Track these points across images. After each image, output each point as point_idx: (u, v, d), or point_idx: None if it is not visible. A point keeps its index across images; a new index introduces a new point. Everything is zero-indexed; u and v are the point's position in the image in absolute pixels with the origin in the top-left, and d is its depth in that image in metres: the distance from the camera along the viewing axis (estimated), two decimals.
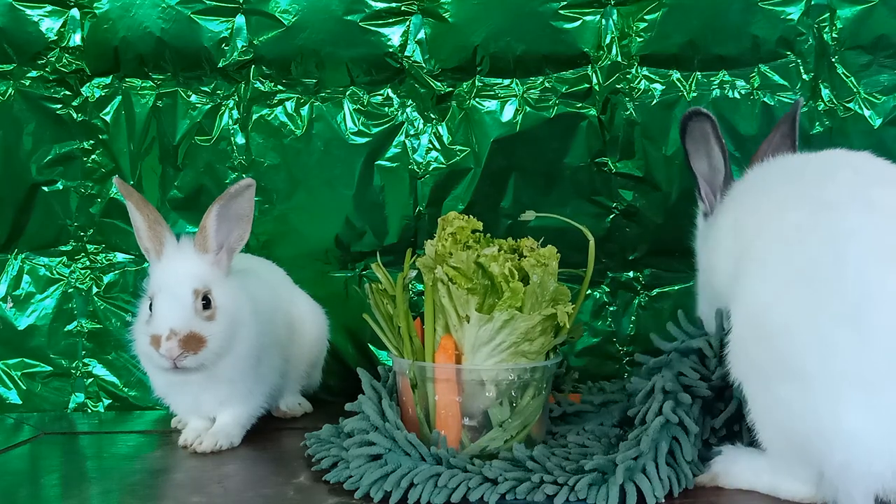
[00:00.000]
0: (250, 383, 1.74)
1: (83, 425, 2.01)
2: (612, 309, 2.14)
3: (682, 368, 1.53)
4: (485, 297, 1.51)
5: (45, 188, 2.14)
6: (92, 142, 2.14)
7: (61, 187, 2.15)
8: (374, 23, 2.07)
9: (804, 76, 1.99)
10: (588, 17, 2.02)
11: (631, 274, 2.13)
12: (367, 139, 2.11)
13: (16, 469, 1.68)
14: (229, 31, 2.08)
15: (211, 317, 1.64)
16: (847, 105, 1.99)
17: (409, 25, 2.07)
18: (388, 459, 1.47)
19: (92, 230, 2.16)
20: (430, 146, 2.11)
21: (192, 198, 2.12)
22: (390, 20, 2.07)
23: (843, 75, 1.98)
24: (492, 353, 1.51)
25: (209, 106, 2.12)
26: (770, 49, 1.99)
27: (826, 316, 1.26)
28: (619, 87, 2.04)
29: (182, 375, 1.65)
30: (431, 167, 2.11)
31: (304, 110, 2.12)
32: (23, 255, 2.17)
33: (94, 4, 2.07)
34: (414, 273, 1.64)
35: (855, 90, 1.98)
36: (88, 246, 2.16)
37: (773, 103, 2.00)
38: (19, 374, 2.15)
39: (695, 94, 2.03)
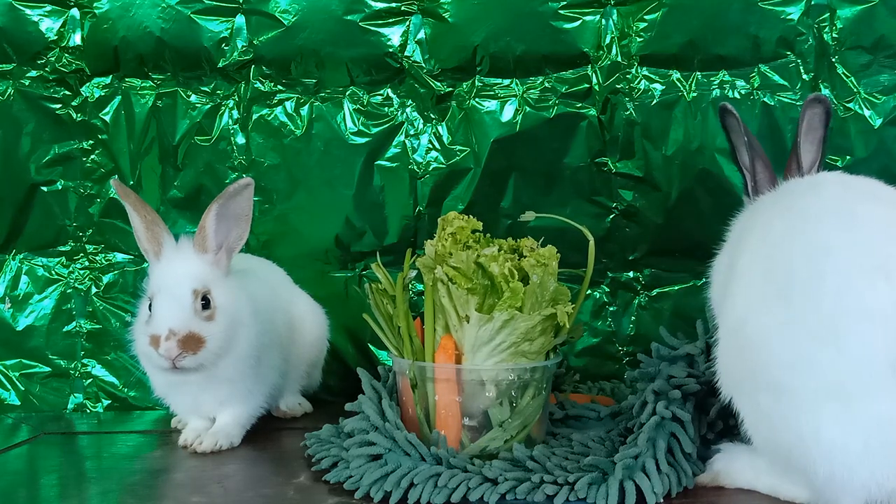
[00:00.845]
0: (250, 383, 1.74)
1: (82, 425, 2.01)
2: (612, 309, 2.14)
3: (670, 372, 1.55)
4: (485, 297, 1.51)
5: (45, 188, 2.14)
6: (91, 142, 2.13)
7: (60, 187, 2.14)
8: (374, 23, 2.07)
9: (804, 76, 1.99)
10: (588, 17, 2.02)
11: (631, 274, 2.13)
12: (366, 139, 2.11)
13: (15, 469, 1.68)
14: (229, 31, 2.08)
15: (210, 317, 1.64)
16: (847, 105, 1.99)
17: (408, 25, 2.07)
18: (388, 459, 1.47)
19: (91, 230, 2.16)
20: (430, 146, 2.11)
21: (192, 198, 2.12)
22: (390, 20, 2.07)
23: (843, 75, 1.98)
24: (492, 353, 1.51)
25: (209, 106, 2.12)
26: (770, 49, 1.99)
27: (803, 330, 1.26)
28: (618, 87, 2.04)
29: (181, 375, 1.65)
30: (431, 167, 2.11)
31: (304, 110, 2.12)
32: (21, 256, 2.16)
33: (94, 4, 2.07)
34: (414, 273, 1.64)
35: (855, 90, 1.98)
36: (87, 246, 2.16)
37: (773, 103, 2.00)
38: (18, 374, 2.14)
39: (695, 94, 2.03)
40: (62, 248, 2.16)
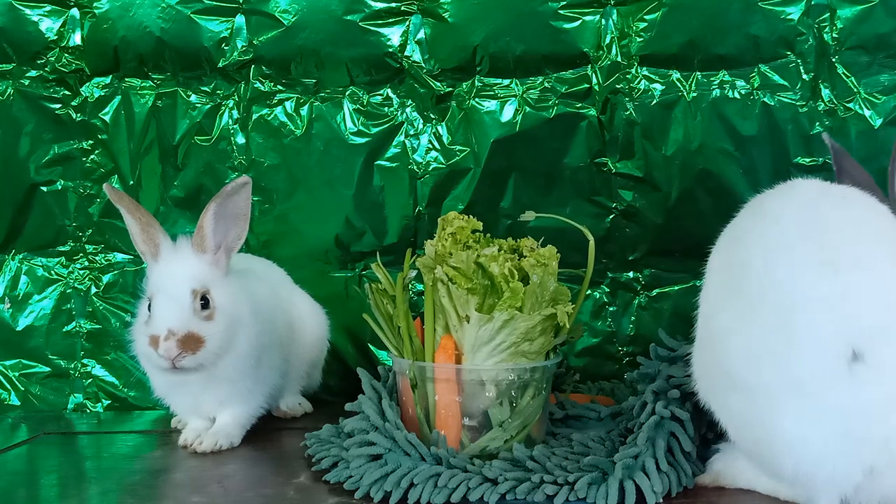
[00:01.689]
0: (250, 383, 1.74)
1: (82, 425, 2.01)
2: (611, 309, 2.14)
3: (669, 372, 1.55)
4: (485, 297, 1.51)
5: (44, 188, 2.14)
6: (91, 142, 2.13)
7: (60, 187, 2.14)
8: (374, 23, 2.07)
9: (804, 76, 1.99)
10: (588, 17, 2.02)
11: (631, 274, 2.13)
12: (366, 139, 2.11)
13: (15, 469, 1.68)
14: (229, 31, 2.08)
15: (210, 317, 1.64)
16: (847, 105, 1.98)
17: (408, 25, 2.07)
18: (388, 459, 1.47)
19: (91, 230, 2.15)
20: (430, 146, 2.11)
21: (192, 198, 2.12)
22: (390, 20, 2.07)
23: (843, 75, 1.98)
24: (492, 353, 1.51)
25: (209, 106, 2.12)
26: (770, 49, 1.99)
27: (757, 324, 1.27)
28: (618, 87, 2.04)
29: (181, 375, 1.65)
30: (431, 167, 2.11)
31: (304, 110, 2.12)
32: (21, 256, 2.16)
33: (94, 4, 2.07)
34: (414, 273, 1.63)
35: (855, 90, 1.98)
36: (87, 246, 2.16)
37: (773, 103, 2.00)
38: (17, 374, 2.14)
39: (695, 94, 2.02)
40: (62, 248, 2.16)
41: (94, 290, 2.16)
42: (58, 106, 2.12)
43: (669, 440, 1.44)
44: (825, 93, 1.99)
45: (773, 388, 1.25)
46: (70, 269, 2.16)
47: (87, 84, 2.12)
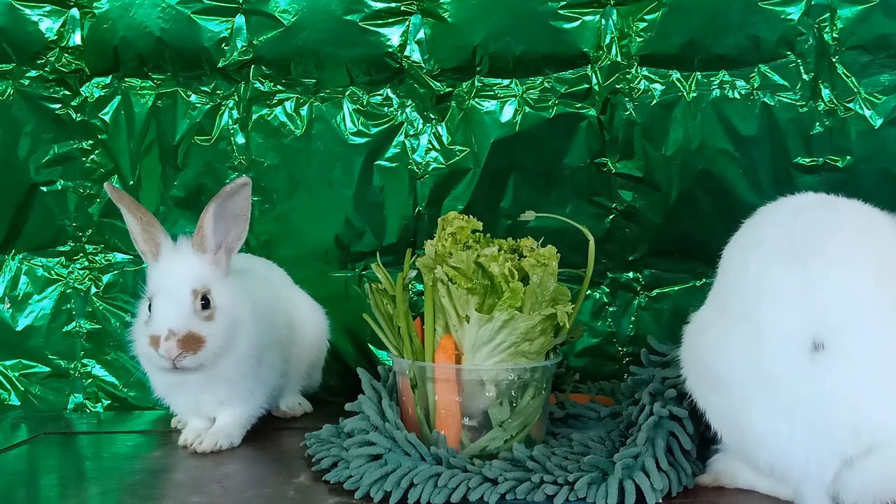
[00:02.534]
0: (250, 383, 1.74)
1: (82, 425, 2.01)
2: (611, 309, 2.13)
3: (664, 374, 1.56)
4: (485, 297, 1.51)
5: (44, 188, 2.14)
6: (91, 142, 2.13)
7: (60, 187, 2.14)
8: (374, 23, 2.07)
9: (804, 76, 1.98)
10: (587, 17, 2.02)
11: (631, 274, 2.12)
12: (366, 139, 2.11)
13: (15, 469, 1.68)
14: (229, 31, 2.08)
15: (210, 317, 1.64)
16: (847, 105, 1.98)
17: (408, 25, 2.07)
18: (388, 459, 1.47)
19: (91, 230, 2.15)
20: (430, 146, 2.11)
21: (192, 198, 2.12)
22: (390, 20, 2.07)
23: (843, 75, 1.98)
24: (492, 353, 1.51)
25: (209, 106, 2.12)
26: (770, 49, 1.98)
27: (729, 317, 1.32)
28: (618, 87, 2.04)
29: (181, 375, 1.65)
30: (431, 167, 2.10)
31: (304, 110, 2.12)
32: (20, 256, 2.16)
33: (94, 4, 2.07)
34: (414, 273, 1.63)
35: (855, 90, 1.98)
36: (87, 246, 2.16)
37: (773, 103, 2.00)
38: (17, 374, 2.14)
39: (695, 95, 2.02)
40: (62, 248, 2.16)
41: (93, 290, 2.16)
42: (58, 106, 2.12)
43: (669, 439, 1.44)
44: (825, 93, 1.98)
45: (744, 381, 1.29)
46: (70, 269, 2.16)
47: (87, 84, 2.12)
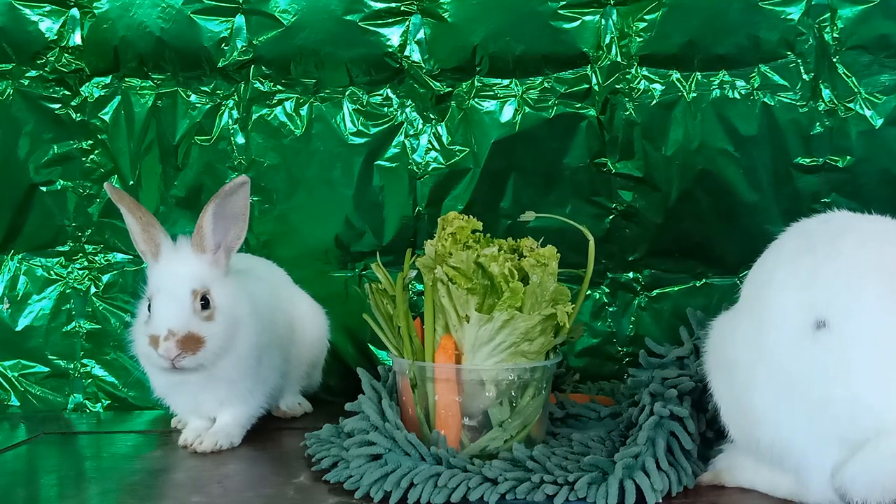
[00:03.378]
0: (250, 383, 1.74)
1: (82, 425, 2.01)
2: (611, 310, 2.13)
3: (663, 375, 1.56)
4: (485, 297, 1.50)
5: (44, 188, 2.14)
6: (91, 142, 2.13)
7: (59, 187, 2.14)
8: (374, 23, 2.07)
9: (804, 76, 1.98)
10: (587, 17, 2.02)
11: (630, 275, 2.12)
12: (366, 139, 2.11)
13: (15, 469, 1.68)
14: (229, 31, 2.08)
15: (210, 317, 1.64)
16: (848, 105, 1.98)
17: (408, 25, 2.07)
18: (388, 459, 1.47)
19: (90, 230, 2.15)
20: (430, 146, 2.11)
21: (192, 198, 2.12)
22: (390, 20, 2.07)
23: (843, 75, 1.97)
24: (492, 353, 1.51)
25: (209, 106, 2.12)
26: (770, 49, 1.98)
27: (742, 305, 1.40)
28: (618, 87, 2.04)
29: (181, 376, 1.65)
30: (431, 167, 2.10)
31: (304, 110, 2.12)
32: (20, 256, 2.16)
33: (94, 4, 2.07)
34: (414, 273, 1.63)
35: (856, 90, 1.97)
36: (87, 246, 2.16)
37: (773, 103, 2.00)
38: (17, 374, 2.14)
39: (694, 95, 2.02)
40: (61, 249, 2.16)
41: (93, 290, 2.16)
42: (57, 106, 2.12)
43: (669, 439, 1.44)
44: (825, 93, 1.98)
45: (749, 364, 1.32)
46: (69, 269, 2.16)
47: (87, 84, 2.12)
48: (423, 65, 2.08)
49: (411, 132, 2.11)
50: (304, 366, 1.96)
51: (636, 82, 2.04)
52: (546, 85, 2.06)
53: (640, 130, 2.04)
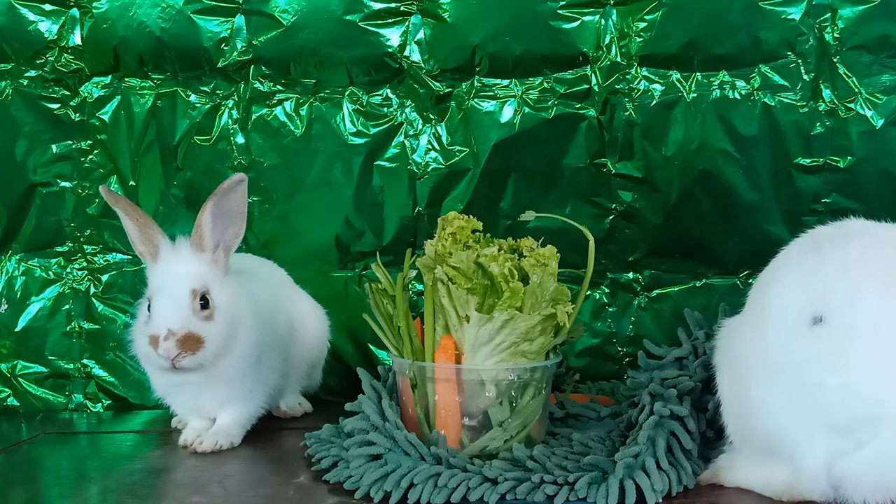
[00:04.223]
0: (250, 383, 1.74)
1: (82, 425, 2.01)
2: (611, 310, 2.13)
3: (662, 375, 1.56)
4: (485, 297, 1.50)
5: (42, 188, 2.13)
6: (90, 142, 2.13)
7: (58, 188, 2.14)
8: (374, 23, 2.07)
9: (805, 76, 1.98)
10: (587, 18, 2.02)
11: (630, 275, 2.12)
12: (366, 139, 2.10)
13: (15, 469, 1.68)
14: (229, 31, 2.08)
15: (209, 317, 1.64)
16: (848, 105, 1.98)
17: (408, 26, 2.07)
18: (388, 459, 1.46)
19: (89, 230, 2.15)
20: (430, 146, 2.11)
21: (192, 198, 2.12)
22: (389, 20, 2.07)
23: (844, 75, 1.97)
24: (492, 352, 1.51)
25: (209, 106, 2.12)
26: (771, 49, 1.98)
27: (748, 300, 1.43)
28: (618, 87, 2.04)
29: (181, 376, 1.65)
30: (430, 167, 2.10)
31: (304, 110, 2.12)
32: (19, 256, 2.16)
33: (94, 4, 2.07)
34: (414, 273, 1.63)
35: (856, 90, 1.97)
36: (86, 246, 2.16)
37: (773, 104, 2.00)
38: (17, 374, 2.14)
39: (695, 95, 2.02)
40: (60, 249, 2.16)
41: (92, 290, 2.16)
42: (56, 106, 2.12)
43: (669, 439, 1.44)
44: (826, 93, 1.98)
45: (749, 356, 1.34)
46: (69, 269, 2.16)
47: (86, 84, 2.12)
48: (422, 65, 2.08)
49: (411, 132, 2.11)
50: (304, 366, 1.96)
51: (636, 83, 2.04)
52: (546, 85, 2.06)
53: (639, 131, 2.04)
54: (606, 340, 2.13)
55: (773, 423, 1.30)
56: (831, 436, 1.26)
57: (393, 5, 2.06)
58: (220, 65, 2.09)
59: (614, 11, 2.02)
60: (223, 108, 2.12)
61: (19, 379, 2.14)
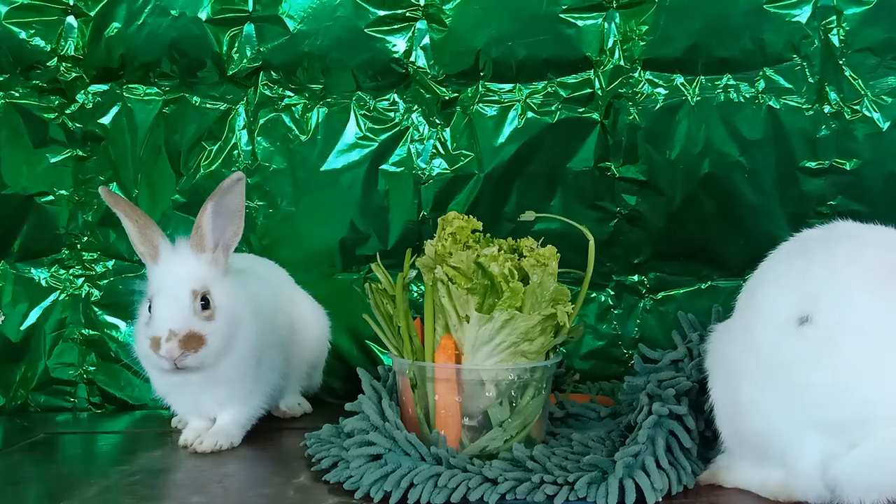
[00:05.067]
0: (250, 383, 1.74)
1: (82, 425, 2.02)
2: (616, 312, 2.13)
3: (659, 377, 1.56)
4: (485, 296, 1.50)
5: (39, 196, 2.14)
6: (87, 150, 2.14)
7: (55, 195, 2.15)
8: (380, 29, 2.08)
9: (810, 79, 1.97)
10: (590, 21, 2.02)
11: (635, 277, 2.12)
12: (372, 144, 2.11)
13: (14, 469, 1.68)
14: (238, 38, 2.09)
15: (210, 316, 1.64)
16: (854, 108, 1.97)
17: (413, 31, 2.08)
18: (388, 459, 1.46)
19: (87, 237, 2.16)
20: (435, 151, 2.11)
21: (197, 202, 2.10)
22: (395, 26, 2.08)
23: (850, 78, 1.96)
24: (492, 352, 1.51)
25: (217, 111, 2.13)
26: (775, 52, 1.97)
27: (737, 304, 1.44)
28: (622, 91, 2.04)
29: (183, 376, 1.65)
30: (435, 172, 2.11)
31: (311, 115, 2.12)
32: (16, 264, 2.16)
33: (98, 12, 2.08)
34: (414, 273, 1.63)
35: (862, 93, 1.96)
36: (83, 254, 2.16)
37: (778, 107, 1.99)
38: (17, 380, 2.14)
39: (698, 98, 2.02)
40: (57, 256, 2.16)
41: (91, 296, 2.16)
42: (54, 115, 2.12)
43: (669, 438, 1.43)
44: (831, 96, 1.97)
45: (739, 358, 1.35)
46: (66, 276, 2.16)
47: (83, 92, 2.12)
48: (428, 70, 2.09)
49: (417, 137, 2.11)
50: (304, 366, 1.96)
51: (640, 86, 2.04)
52: (549, 89, 2.06)
53: (643, 134, 2.04)
54: (612, 343, 2.13)
55: (765, 424, 1.30)
56: (823, 436, 1.26)
57: (398, 11, 2.07)
58: (229, 73, 2.10)
59: (617, 15, 2.02)
60: (231, 113, 2.13)
61: (19, 383, 2.14)
